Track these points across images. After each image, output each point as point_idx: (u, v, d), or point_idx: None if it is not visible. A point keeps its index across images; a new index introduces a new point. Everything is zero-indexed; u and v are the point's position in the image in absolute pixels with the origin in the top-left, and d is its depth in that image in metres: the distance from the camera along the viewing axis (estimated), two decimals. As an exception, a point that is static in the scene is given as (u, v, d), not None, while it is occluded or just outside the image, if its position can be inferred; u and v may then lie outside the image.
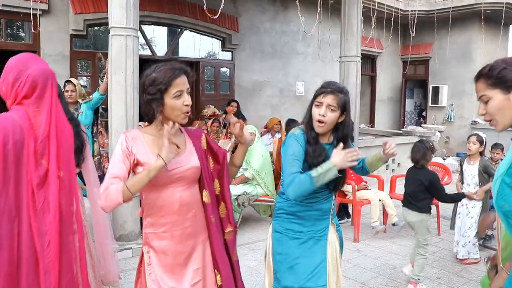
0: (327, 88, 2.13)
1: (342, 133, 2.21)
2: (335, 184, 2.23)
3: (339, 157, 1.99)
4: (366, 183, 5.57)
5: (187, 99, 1.81)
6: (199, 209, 1.93)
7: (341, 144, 2.08)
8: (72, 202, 1.95)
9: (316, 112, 2.14)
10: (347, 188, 5.36)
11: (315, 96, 2.18)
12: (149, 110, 1.82)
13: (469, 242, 4.30)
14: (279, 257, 2.29)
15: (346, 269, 4.11)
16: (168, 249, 1.89)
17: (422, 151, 3.76)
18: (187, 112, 1.83)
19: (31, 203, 1.77)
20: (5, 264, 1.68)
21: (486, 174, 4.36)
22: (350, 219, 5.64)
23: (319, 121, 2.13)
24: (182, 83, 1.80)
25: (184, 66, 1.85)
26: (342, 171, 2.10)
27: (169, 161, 1.72)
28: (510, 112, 1.47)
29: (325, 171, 1.97)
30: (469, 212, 4.38)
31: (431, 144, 3.96)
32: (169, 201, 1.86)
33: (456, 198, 4.21)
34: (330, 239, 2.34)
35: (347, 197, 5.43)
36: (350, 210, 5.73)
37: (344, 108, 2.15)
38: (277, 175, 5.65)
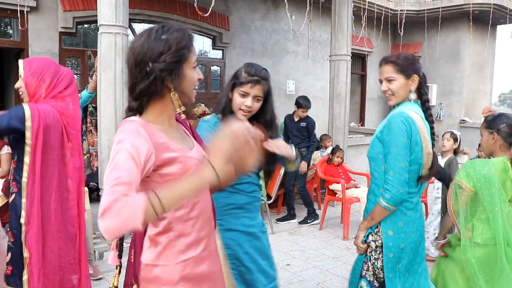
0: (254, 77, 1.96)
1: (268, 119, 2.07)
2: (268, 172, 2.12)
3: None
4: (355, 181, 5.61)
5: (200, 72, 1.37)
6: None
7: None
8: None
9: (241, 102, 1.97)
10: (337, 186, 5.39)
11: (241, 83, 1.97)
12: (156, 88, 1.25)
13: (427, 238, 4.20)
14: (246, 257, 2.05)
15: (335, 267, 4.14)
16: (207, 275, 1.37)
17: None
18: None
19: (74, 183, 2.26)
20: (73, 226, 2.26)
21: (449, 169, 4.37)
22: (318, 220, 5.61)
23: (243, 110, 1.99)
24: (195, 51, 1.35)
25: None
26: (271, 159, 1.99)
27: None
28: (404, 92, 2.07)
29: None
30: (431, 208, 4.38)
31: None
32: (204, 206, 1.38)
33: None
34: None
35: (336, 195, 5.47)
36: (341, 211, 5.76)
37: (267, 93, 2.03)
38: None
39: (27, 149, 2.09)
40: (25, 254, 2.09)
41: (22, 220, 2.09)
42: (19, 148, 2.14)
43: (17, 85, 2.25)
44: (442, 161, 4.44)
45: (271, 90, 2.06)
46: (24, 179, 2.10)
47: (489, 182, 2.31)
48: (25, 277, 2.10)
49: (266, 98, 2.04)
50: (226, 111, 2.02)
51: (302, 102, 5.62)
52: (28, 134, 2.08)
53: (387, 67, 2.08)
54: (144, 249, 1.34)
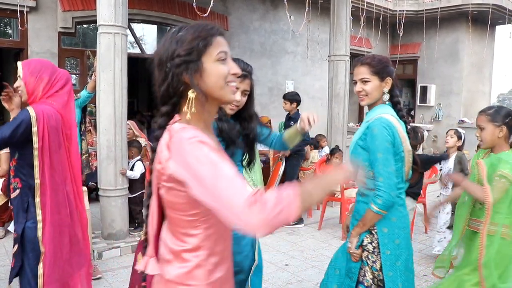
0: (242, 72, 1.87)
1: (248, 114, 2.10)
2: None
3: None
4: (353, 181, 5.61)
5: (234, 66, 1.25)
6: None
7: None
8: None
9: None
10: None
11: None
12: (175, 88, 1.19)
13: (445, 238, 4.26)
14: None
15: (334, 267, 4.15)
16: None
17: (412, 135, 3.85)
18: (236, 88, 1.36)
19: (72, 172, 2.42)
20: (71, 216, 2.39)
21: (460, 166, 4.39)
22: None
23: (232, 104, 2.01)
24: (224, 43, 1.23)
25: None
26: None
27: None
28: (377, 93, 2.14)
29: None
30: (445, 208, 4.38)
31: (421, 130, 3.99)
32: (225, 226, 1.26)
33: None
34: None
35: (335, 195, 5.47)
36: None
37: (251, 88, 2.08)
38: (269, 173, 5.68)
39: (35, 153, 2.22)
40: (42, 249, 2.23)
41: (39, 217, 2.23)
42: (23, 148, 2.23)
43: (16, 84, 2.33)
44: (449, 160, 4.44)
45: (254, 86, 2.11)
46: (37, 181, 2.24)
47: None
48: (40, 271, 2.24)
49: (250, 93, 2.09)
50: None
51: (286, 94, 5.78)
52: (35, 138, 2.21)
53: (362, 69, 2.15)
54: (165, 262, 1.24)
